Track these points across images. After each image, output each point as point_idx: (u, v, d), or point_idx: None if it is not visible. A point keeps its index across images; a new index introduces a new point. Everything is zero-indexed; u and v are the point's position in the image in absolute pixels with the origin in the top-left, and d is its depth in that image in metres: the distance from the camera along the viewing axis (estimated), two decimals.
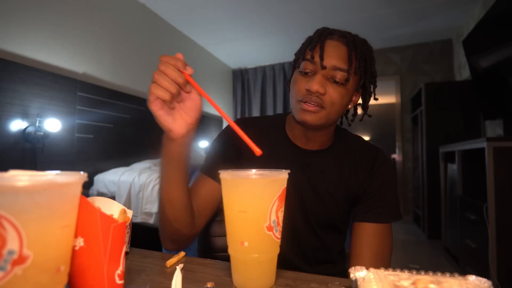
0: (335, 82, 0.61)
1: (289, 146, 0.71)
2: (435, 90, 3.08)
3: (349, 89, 0.64)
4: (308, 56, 0.63)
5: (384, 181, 0.68)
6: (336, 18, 3.28)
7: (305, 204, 0.69)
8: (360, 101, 0.73)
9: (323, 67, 0.61)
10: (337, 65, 0.61)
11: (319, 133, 0.68)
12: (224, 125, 4.53)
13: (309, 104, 0.62)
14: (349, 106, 0.70)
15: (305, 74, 0.64)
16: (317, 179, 0.69)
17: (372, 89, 0.71)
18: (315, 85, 0.60)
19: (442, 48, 3.85)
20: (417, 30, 3.56)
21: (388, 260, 0.64)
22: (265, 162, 0.67)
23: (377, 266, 0.52)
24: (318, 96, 0.61)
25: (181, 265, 0.47)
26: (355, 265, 0.58)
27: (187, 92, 0.52)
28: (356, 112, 0.76)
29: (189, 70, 0.49)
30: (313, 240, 0.71)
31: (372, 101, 0.75)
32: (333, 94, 0.61)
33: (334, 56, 0.61)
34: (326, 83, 0.61)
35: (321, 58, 0.61)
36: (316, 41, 0.64)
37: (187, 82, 0.50)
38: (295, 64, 0.69)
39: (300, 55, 0.67)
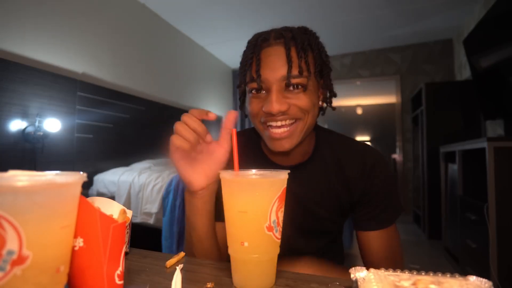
0: (294, 89, 0.55)
1: (267, 166, 0.65)
2: (436, 90, 3.08)
3: (311, 90, 0.56)
4: (249, 78, 0.56)
5: (380, 183, 0.62)
6: (336, 18, 3.28)
7: (295, 219, 0.63)
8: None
9: (272, 82, 0.54)
10: (283, 74, 0.53)
11: (298, 147, 0.61)
12: None
13: (277, 128, 0.55)
14: (320, 103, 0.62)
15: (257, 93, 0.57)
16: (304, 193, 0.63)
17: (330, 77, 0.63)
18: (274, 105, 0.52)
19: (442, 48, 3.85)
20: (417, 30, 3.56)
21: (400, 259, 0.63)
22: None
23: (393, 268, 0.54)
24: (283, 114, 0.54)
25: (181, 266, 0.47)
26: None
27: (207, 143, 0.52)
28: (324, 109, 0.66)
29: (211, 116, 0.49)
30: (307, 248, 0.69)
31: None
32: (299, 102, 0.55)
33: (277, 66, 0.53)
34: (285, 95, 0.55)
35: (260, 73, 0.54)
36: (251, 56, 0.56)
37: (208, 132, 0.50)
38: (241, 87, 0.61)
39: (242, 77, 0.59)
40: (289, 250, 0.64)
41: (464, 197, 2.02)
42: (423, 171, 3.25)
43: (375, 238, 0.62)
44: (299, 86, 0.55)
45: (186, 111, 0.51)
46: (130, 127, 2.65)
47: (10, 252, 0.24)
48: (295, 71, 0.53)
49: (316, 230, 0.67)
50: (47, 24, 2.02)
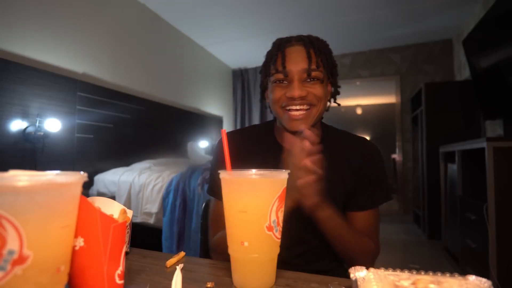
0: (311, 80, 0.66)
1: (280, 151, 0.70)
2: (435, 90, 3.08)
3: (323, 83, 0.68)
4: (274, 70, 0.67)
5: (377, 171, 0.72)
6: (336, 18, 3.28)
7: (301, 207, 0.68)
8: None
9: (294, 73, 0.65)
10: (305, 67, 0.65)
11: None
12: (224, 125, 4.54)
13: (296, 111, 0.66)
14: (328, 98, 0.74)
15: (280, 83, 0.68)
16: None
17: (336, 79, 0.74)
18: (296, 91, 0.64)
19: (442, 48, 3.85)
20: (417, 30, 3.56)
21: (377, 234, 0.73)
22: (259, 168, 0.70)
23: (371, 238, 0.69)
24: (302, 99, 0.65)
25: (181, 265, 0.47)
26: None
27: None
28: (329, 105, 0.78)
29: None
30: (310, 241, 0.71)
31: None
32: (315, 91, 0.66)
33: (299, 60, 0.65)
34: (304, 84, 0.66)
35: (285, 66, 0.65)
36: (277, 52, 0.68)
37: None
38: (263, 77, 0.73)
39: (266, 71, 0.71)
40: (295, 242, 0.69)
41: (464, 197, 2.02)
42: (422, 171, 3.26)
43: (361, 217, 0.71)
44: (316, 79, 0.66)
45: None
46: (130, 127, 2.65)
47: (11, 252, 0.24)
48: (314, 65, 0.65)
49: None
50: (47, 24, 2.02)
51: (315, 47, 0.67)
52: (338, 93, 0.76)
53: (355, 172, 0.72)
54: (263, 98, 0.78)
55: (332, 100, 0.76)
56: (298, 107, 0.66)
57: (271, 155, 0.72)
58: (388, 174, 0.75)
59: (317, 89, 0.66)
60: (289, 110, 0.67)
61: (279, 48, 0.68)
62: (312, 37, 0.70)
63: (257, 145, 0.75)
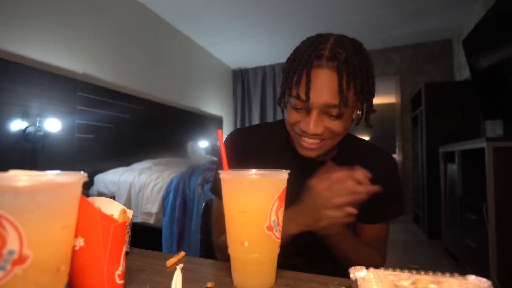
0: (332, 116, 0.57)
1: (295, 158, 0.68)
2: (435, 90, 3.08)
3: (348, 115, 0.59)
4: (295, 93, 0.56)
5: (394, 184, 0.69)
6: (336, 18, 3.28)
7: None
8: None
9: (316, 105, 0.55)
10: (329, 102, 0.55)
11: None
12: (224, 125, 4.54)
13: (308, 143, 0.60)
14: (354, 116, 0.65)
15: (297, 108, 0.59)
16: None
17: (370, 103, 0.64)
18: (311, 128, 0.56)
19: (442, 48, 3.85)
20: (417, 30, 3.56)
21: (384, 247, 0.71)
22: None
23: (378, 250, 0.68)
24: (316, 135, 0.58)
25: (181, 265, 0.47)
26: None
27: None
28: (359, 120, 0.69)
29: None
30: (316, 244, 0.71)
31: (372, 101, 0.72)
32: (333, 127, 0.57)
33: (324, 92, 0.54)
34: (323, 119, 0.57)
35: (309, 95, 0.55)
36: (301, 73, 0.56)
37: None
38: (283, 86, 0.62)
39: (287, 84, 0.60)
40: (298, 245, 0.66)
41: (464, 197, 2.02)
42: (422, 171, 3.26)
43: (371, 230, 0.69)
44: (337, 116, 0.57)
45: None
46: (130, 127, 2.65)
47: (11, 252, 0.24)
48: (341, 101, 0.54)
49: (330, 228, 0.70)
50: (47, 24, 2.02)
51: (349, 71, 0.54)
52: (370, 113, 0.64)
53: (374, 183, 0.67)
54: (281, 98, 0.69)
55: (365, 118, 0.65)
56: (310, 140, 0.60)
57: (285, 156, 0.69)
58: (402, 190, 0.74)
59: (336, 125, 0.57)
60: (301, 136, 0.61)
61: (306, 66, 0.55)
62: (350, 52, 0.55)
63: (271, 144, 0.71)
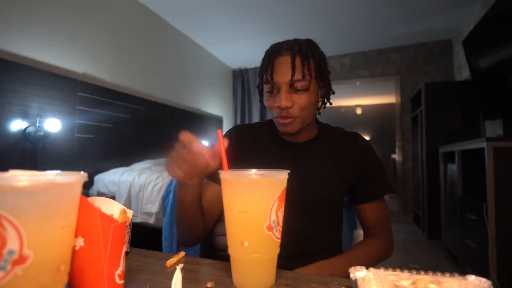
0: (298, 90, 0.69)
1: (281, 143, 0.80)
2: (435, 90, 3.08)
3: (312, 90, 0.71)
4: (264, 79, 0.72)
5: (371, 163, 0.78)
6: (336, 18, 3.28)
7: (298, 195, 0.72)
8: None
9: (281, 84, 0.69)
10: (290, 78, 0.68)
11: (302, 131, 0.77)
12: (224, 125, 4.54)
13: (284, 118, 0.71)
14: (320, 100, 0.78)
15: (271, 93, 0.72)
16: (313, 166, 0.76)
17: (329, 79, 0.78)
18: (282, 101, 0.68)
19: (442, 48, 3.85)
20: (417, 30, 3.56)
21: (389, 225, 0.80)
22: (263, 161, 0.77)
23: (385, 232, 0.79)
24: (287, 109, 0.69)
25: (181, 265, 0.47)
26: (365, 234, 0.81)
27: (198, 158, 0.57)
28: (325, 104, 0.82)
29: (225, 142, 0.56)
30: (307, 232, 0.74)
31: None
32: (299, 101, 0.69)
33: (286, 71, 0.68)
34: (291, 95, 0.69)
35: (273, 77, 0.69)
36: (267, 63, 0.72)
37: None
38: (260, 85, 0.78)
39: (261, 79, 0.76)
40: (292, 233, 0.71)
41: (464, 197, 2.02)
42: (422, 171, 3.26)
43: (370, 209, 0.78)
44: (302, 89, 0.69)
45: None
46: (130, 127, 2.64)
47: (11, 252, 0.24)
48: (298, 76, 0.68)
49: (323, 203, 0.75)
50: (47, 24, 2.02)
51: (302, 55, 0.69)
52: (330, 93, 0.79)
53: (355, 164, 0.76)
54: (261, 99, 0.83)
55: (325, 100, 0.80)
56: (284, 119, 0.72)
57: (273, 148, 0.80)
58: (388, 174, 0.82)
59: (302, 99, 0.69)
60: (279, 117, 0.72)
61: (269, 58, 0.72)
62: (302, 44, 0.72)
63: (261, 138, 0.82)
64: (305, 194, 0.73)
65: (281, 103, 0.68)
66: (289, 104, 0.68)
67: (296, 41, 0.73)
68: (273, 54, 0.72)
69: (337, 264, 0.67)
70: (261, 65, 0.76)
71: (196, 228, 0.68)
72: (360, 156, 0.77)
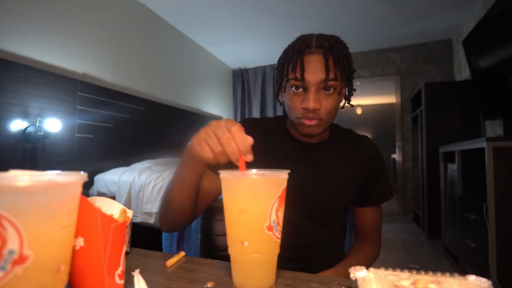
0: (327, 92, 0.66)
1: (294, 143, 0.77)
2: (435, 90, 3.08)
3: (337, 92, 0.68)
4: (292, 76, 0.67)
5: (378, 168, 0.77)
6: (336, 18, 3.28)
7: (309, 197, 0.71)
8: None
9: (312, 83, 0.65)
10: (322, 78, 0.64)
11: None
12: None
13: (310, 120, 0.67)
14: (341, 104, 0.76)
15: (296, 90, 0.68)
16: (326, 170, 0.75)
17: (352, 83, 0.75)
18: (311, 103, 0.64)
19: (442, 48, 3.85)
20: (417, 30, 3.56)
21: (381, 228, 0.81)
22: (273, 159, 0.74)
23: (378, 237, 0.79)
24: (314, 112, 0.66)
25: (137, 270, 0.45)
26: (358, 237, 0.80)
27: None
28: (344, 105, 0.80)
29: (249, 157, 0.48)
30: (312, 235, 0.73)
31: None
32: (327, 104, 0.67)
33: (317, 71, 0.65)
34: (319, 97, 0.66)
35: (304, 76, 0.65)
36: (296, 60, 0.67)
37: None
38: (280, 78, 0.72)
39: (284, 72, 0.69)
40: (297, 235, 0.71)
41: (464, 197, 2.02)
42: (422, 171, 3.26)
43: (369, 213, 0.78)
44: (332, 89, 0.66)
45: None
46: (130, 127, 2.64)
47: (11, 252, 0.24)
48: (332, 75, 0.65)
49: (332, 207, 0.74)
50: (47, 24, 2.02)
51: (334, 55, 0.65)
52: (352, 94, 0.76)
53: (365, 169, 0.76)
54: (278, 93, 0.79)
55: (347, 101, 0.77)
56: (310, 120, 0.68)
57: (284, 147, 0.76)
58: (388, 174, 0.82)
59: (330, 102, 0.67)
60: (303, 118, 0.69)
61: (299, 54, 0.67)
62: (332, 42, 0.67)
63: (270, 136, 0.78)
64: (317, 197, 0.72)
65: (309, 105, 0.64)
66: (318, 106, 0.65)
67: (323, 37, 0.69)
68: (302, 50, 0.67)
69: (343, 272, 0.66)
70: (285, 60, 0.70)
71: (186, 212, 0.65)
72: (370, 161, 0.76)
